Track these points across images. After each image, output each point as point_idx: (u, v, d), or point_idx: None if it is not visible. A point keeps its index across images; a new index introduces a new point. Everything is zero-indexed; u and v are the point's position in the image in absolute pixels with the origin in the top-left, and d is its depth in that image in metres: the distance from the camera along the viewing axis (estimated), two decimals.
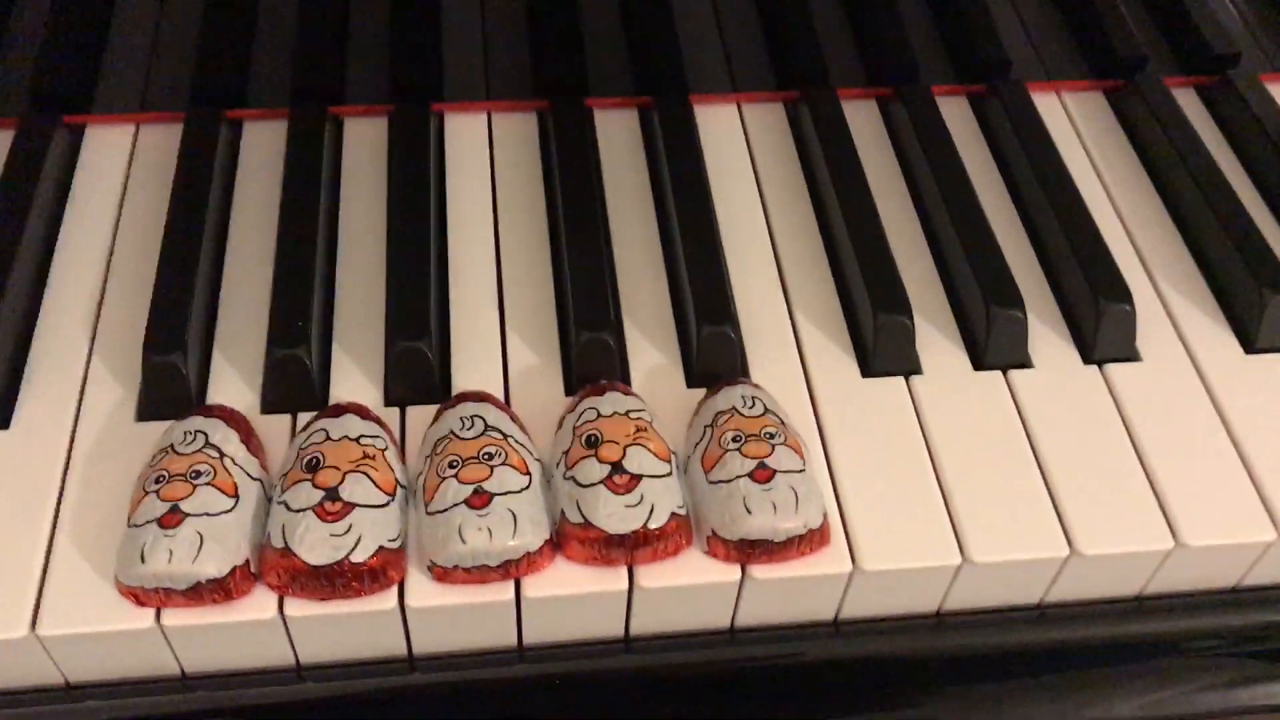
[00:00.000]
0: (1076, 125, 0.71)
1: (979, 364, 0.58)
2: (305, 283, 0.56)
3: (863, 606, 0.53)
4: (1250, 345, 0.59)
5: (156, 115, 0.66)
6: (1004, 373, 0.58)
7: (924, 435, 0.55)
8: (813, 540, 0.50)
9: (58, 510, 0.51)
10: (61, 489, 0.51)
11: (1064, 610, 0.55)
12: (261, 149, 0.66)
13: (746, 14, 0.72)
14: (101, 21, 0.69)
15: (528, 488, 0.50)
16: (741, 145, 0.68)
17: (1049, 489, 0.53)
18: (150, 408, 0.54)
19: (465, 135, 0.67)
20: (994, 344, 0.57)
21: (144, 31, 0.68)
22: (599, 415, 0.52)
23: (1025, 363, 0.58)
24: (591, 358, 0.55)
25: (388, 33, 0.69)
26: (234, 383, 0.55)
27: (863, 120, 0.69)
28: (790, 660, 0.53)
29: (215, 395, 0.55)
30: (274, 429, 0.54)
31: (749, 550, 0.49)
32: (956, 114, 0.70)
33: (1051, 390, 0.57)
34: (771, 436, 0.51)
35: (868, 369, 0.57)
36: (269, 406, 0.55)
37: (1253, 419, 0.56)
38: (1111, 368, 0.58)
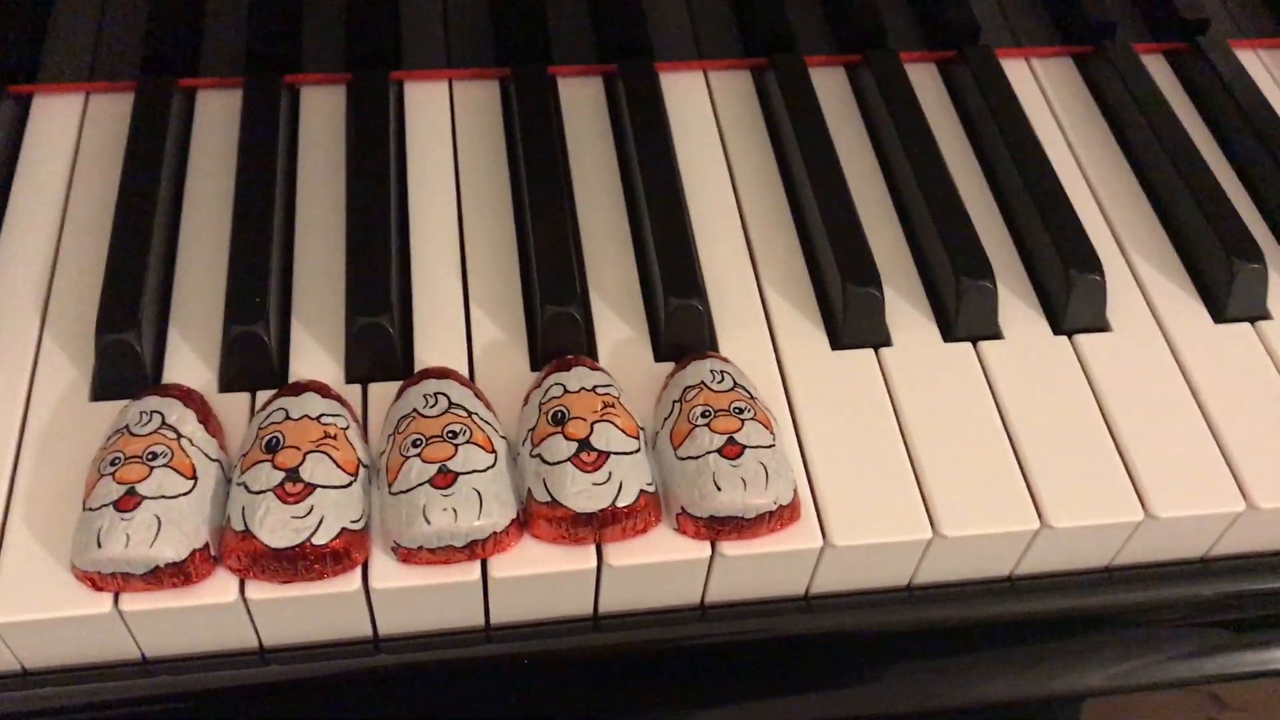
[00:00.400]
0: (1046, 92, 0.70)
1: (949, 335, 0.57)
2: (262, 257, 0.55)
3: (834, 581, 0.53)
4: (1220, 315, 0.59)
5: (107, 84, 0.64)
6: (974, 344, 0.57)
7: (894, 408, 0.54)
8: (783, 516, 0.49)
9: (10, 493, 0.49)
10: (14, 471, 0.50)
11: (1034, 582, 0.55)
12: (216, 119, 0.64)
13: None
14: None
15: (493, 466, 0.49)
16: (708, 114, 0.67)
17: (1019, 461, 0.53)
18: (105, 387, 0.52)
19: (426, 104, 0.66)
20: (964, 315, 0.57)
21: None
22: (565, 391, 0.51)
23: (995, 334, 0.58)
24: (557, 332, 0.54)
25: None
26: (191, 361, 0.54)
27: (831, 87, 0.69)
28: (761, 636, 0.53)
29: (172, 374, 0.53)
30: (233, 408, 0.52)
31: (719, 527, 0.49)
32: (925, 81, 0.70)
33: (1021, 361, 0.57)
34: (740, 411, 0.50)
35: (837, 341, 0.57)
36: (227, 385, 0.53)
37: (1222, 389, 0.56)
38: (1082, 338, 0.58)
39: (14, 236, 0.58)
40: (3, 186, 0.60)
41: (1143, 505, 0.52)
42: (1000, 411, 0.55)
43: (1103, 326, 0.58)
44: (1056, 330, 0.58)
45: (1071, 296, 0.57)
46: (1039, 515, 0.51)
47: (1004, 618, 0.55)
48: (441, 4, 0.68)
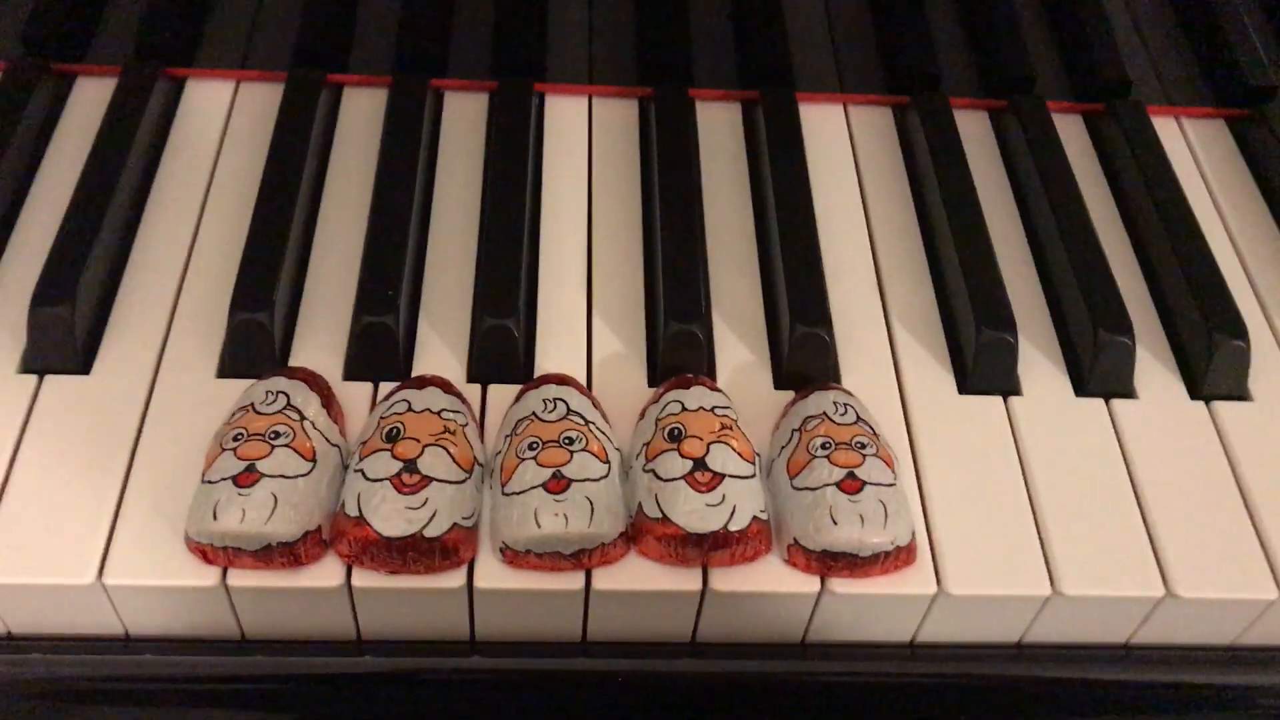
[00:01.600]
0: (1195, 152, 0.68)
1: (1081, 390, 0.56)
2: (397, 252, 0.56)
3: (942, 632, 0.51)
4: None
5: (258, 73, 0.66)
6: (1106, 401, 0.55)
7: (1020, 458, 0.53)
8: (899, 558, 0.48)
9: (131, 460, 0.50)
10: (137, 439, 0.51)
11: (1152, 653, 0.52)
12: (361, 115, 0.65)
13: (859, 13, 0.70)
14: None
15: (606, 476, 0.48)
16: (846, 146, 0.66)
17: (1147, 525, 0.51)
18: (232, 365, 0.53)
19: (565, 117, 0.66)
20: (1099, 370, 0.55)
21: None
22: (683, 409, 0.50)
23: (1129, 393, 0.56)
24: (679, 350, 0.54)
25: (494, 8, 0.68)
26: (318, 347, 0.55)
27: (973, 131, 0.67)
28: (861, 679, 0.52)
29: (298, 358, 0.54)
30: (355, 396, 0.53)
31: (831, 562, 0.47)
32: (1071, 132, 0.68)
33: (1155, 423, 0.55)
34: (863, 447, 0.49)
35: (965, 385, 0.55)
36: (352, 373, 0.54)
37: None
38: (1220, 405, 0.56)
39: (156, 213, 0.59)
40: (153, 162, 0.62)
41: (1276, 582, 0.49)
42: (1130, 472, 0.53)
43: (1243, 395, 0.56)
44: (1194, 394, 0.56)
45: (1212, 361, 0.55)
46: (1164, 583, 0.49)
47: (1118, 685, 0.52)
48: (588, 20, 0.69)
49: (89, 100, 0.64)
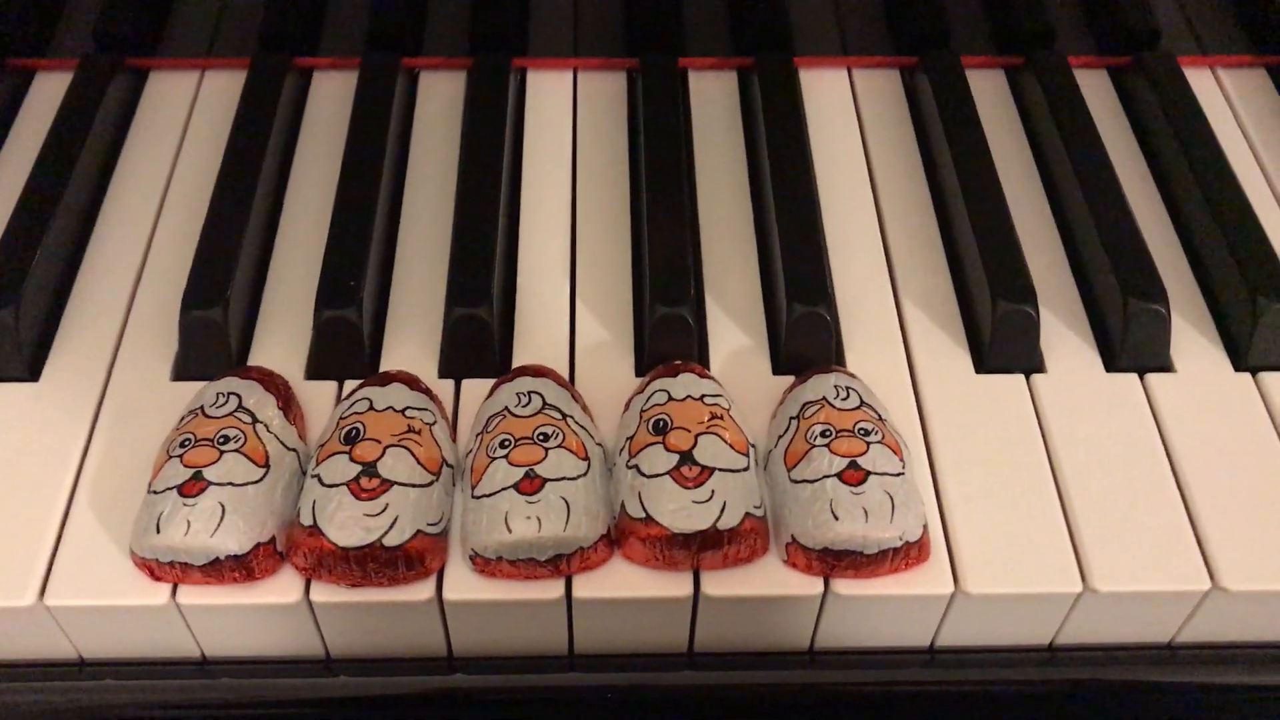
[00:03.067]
0: (1234, 104, 0.63)
1: (1112, 365, 0.51)
2: (362, 241, 0.52)
3: (963, 634, 0.46)
4: None
5: (224, 61, 0.62)
6: (1140, 376, 0.50)
7: (1045, 442, 0.48)
8: (909, 555, 0.43)
9: (79, 471, 0.47)
10: (86, 448, 0.48)
11: (1199, 652, 0.47)
12: (330, 100, 0.62)
13: None
14: None
15: (585, 474, 0.44)
16: (850, 113, 0.62)
17: (1188, 511, 0.46)
18: (188, 367, 0.50)
19: (548, 93, 0.62)
20: (1130, 342, 0.50)
21: None
22: (670, 398, 0.46)
23: (1166, 366, 0.51)
24: (666, 335, 0.49)
25: None
26: (280, 345, 0.51)
27: (988, 91, 0.63)
28: (876, 689, 0.47)
29: (259, 357, 0.51)
30: (318, 397, 0.49)
31: (834, 561, 0.43)
32: (1095, 88, 0.63)
33: (1195, 398, 0.50)
34: (866, 433, 0.45)
35: (983, 364, 0.51)
36: (315, 372, 0.50)
37: None
38: (1267, 376, 0.51)
39: (114, 209, 0.57)
40: (108, 159, 0.58)
41: None
42: (1168, 453, 0.48)
43: None
44: (1238, 366, 0.51)
45: (1257, 328, 0.50)
46: (1210, 575, 0.44)
47: (1162, 688, 0.47)
48: None
49: (47, 96, 0.61)
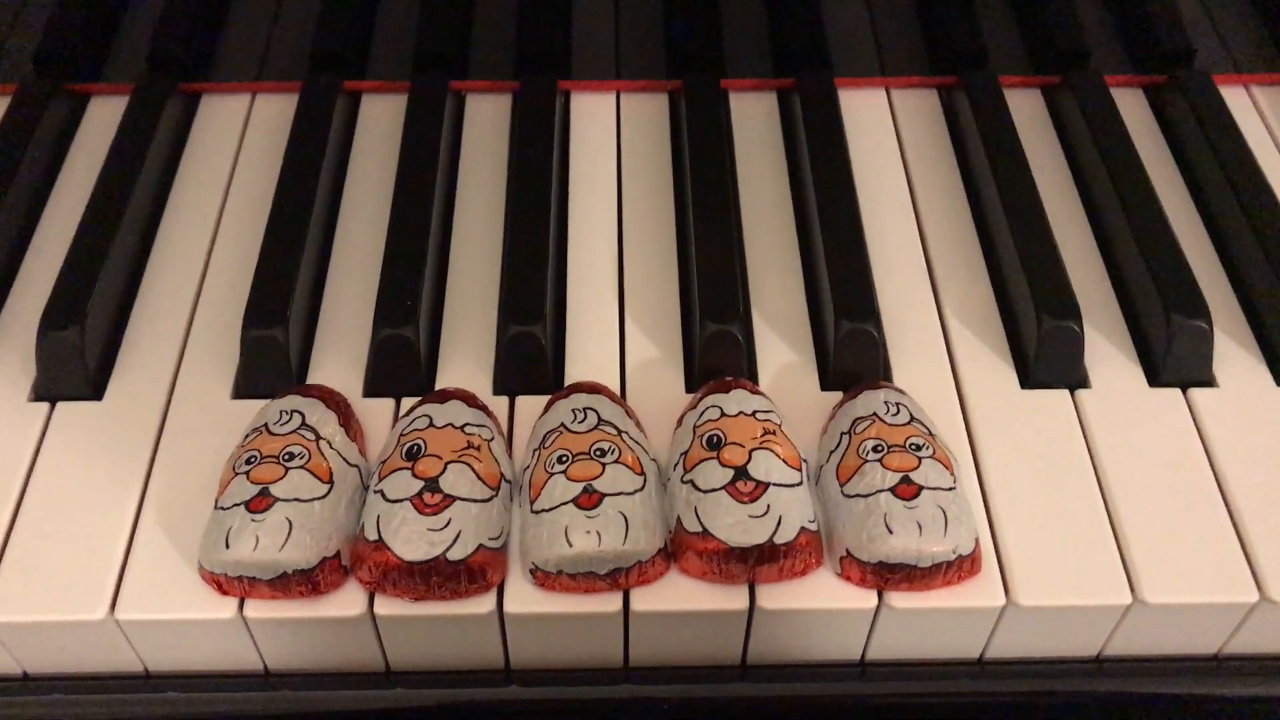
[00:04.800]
0: (1269, 122, 0.64)
1: (1155, 380, 0.51)
2: (417, 261, 0.53)
3: (1013, 646, 0.47)
4: None
5: (274, 85, 0.64)
6: (1184, 391, 0.51)
7: (1091, 456, 0.49)
8: (962, 568, 0.44)
9: (145, 488, 0.48)
10: (150, 466, 0.49)
11: (1246, 664, 0.48)
12: (380, 122, 0.63)
13: None
14: None
15: (641, 489, 0.45)
16: (890, 132, 0.62)
17: (1234, 523, 0.47)
18: (248, 385, 0.51)
19: (593, 115, 0.63)
20: (1173, 358, 0.51)
21: (266, 1, 0.66)
22: (723, 414, 0.47)
23: (1208, 381, 0.52)
24: (716, 352, 0.50)
25: (516, 5, 0.65)
26: (337, 363, 0.52)
27: (1026, 109, 0.64)
28: (927, 701, 0.48)
29: (317, 375, 0.52)
30: (376, 413, 0.50)
31: (888, 575, 0.44)
32: (1132, 106, 0.64)
33: (1238, 412, 0.50)
34: (918, 448, 0.46)
35: (1028, 379, 0.51)
36: (372, 389, 0.51)
37: None
38: None
39: (170, 232, 0.58)
40: (166, 180, 0.60)
41: None
42: (1213, 466, 0.48)
43: None
44: None
45: None
46: (1257, 586, 0.45)
47: (1207, 700, 0.48)
48: (614, 13, 0.66)
49: (103, 119, 0.62)
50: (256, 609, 0.44)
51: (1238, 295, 0.55)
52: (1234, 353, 0.53)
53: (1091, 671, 0.48)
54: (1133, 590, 0.45)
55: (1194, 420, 0.50)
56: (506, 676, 0.48)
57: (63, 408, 0.50)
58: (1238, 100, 0.64)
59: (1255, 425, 0.50)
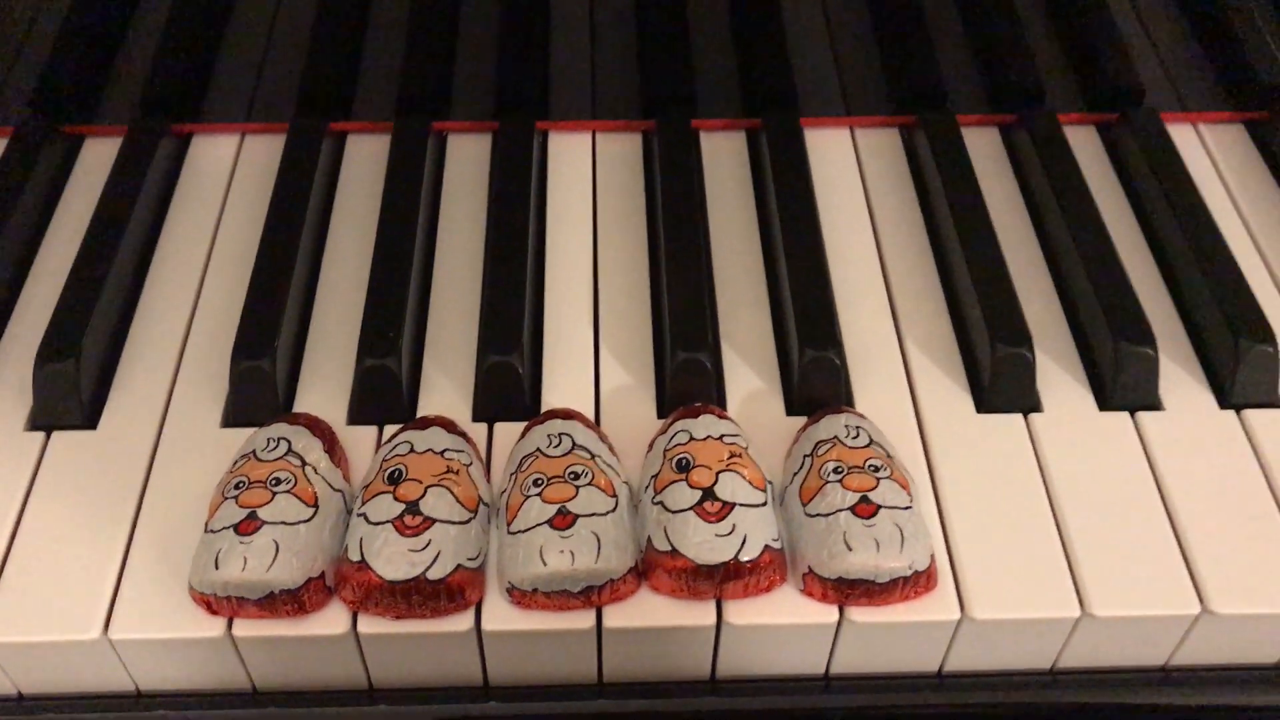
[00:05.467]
0: (1215, 158, 0.66)
1: (1105, 404, 0.54)
2: (399, 294, 0.55)
3: (970, 658, 0.49)
4: None
5: (263, 125, 0.66)
6: (1132, 414, 0.53)
7: (1043, 477, 0.51)
8: (918, 583, 0.46)
9: (138, 513, 0.50)
10: (143, 492, 0.50)
11: (1192, 674, 0.50)
12: (364, 161, 0.65)
13: (862, 35, 0.70)
14: (213, 33, 0.69)
15: (614, 510, 0.47)
16: (853, 169, 0.65)
17: (1179, 540, 0.49)
18: (237, 414, 0.53)
19: (569, 154, 0.66)
20: (1121, 383, 0.53)
21: (255, 43, 0.68)
22: (691, 438, 0.49)
23: (1155, 404, 0.54)
24: (686, 379, 0.53)
25: (495, 49, 0.68)
26: (323, 392, 0.54)
27: (983, 147, 0.66)
28: (889, 713, 0.50)
29: (303, 404, 0.54)
30: (360, 440, 0.52)
31: (848, 590, 0.46)
32: (1083, 142, 0.67)
33: (1184, 435, 0.53)
34: (876, 469, 0.48)
35: (983, 404, 0.54)
36: (356, 417, 0.53)
37: None
38: (1252, 413, 0.54)
39: (162, 267, 0.60)
40: (158, 217, 0.62)
41: None
42: (1159, 487, 0.51)
43: (1274, 402, 0.54)
44: (1223, 404, 0.54)
45: (1240, 367, 0.53)
46: (1200, 599, 0.47)
47: (1157, 710, 0.50)
48: (590, 56, 0.69)
49: (97, 160, 0.65)
50: (244, 628, 0.46)
51: (1183, 323, 0.58)
52: (1180, 378, 0.55)
53: (1047, 683, 0.50)
54: (1081, 604, 0.47)
55: (1141, 442, 0.52)
56: (485, 692, 0.50)
57: (58, 437, 0.52)
58: (1185, 137, 0.67)
59: (1199, 447, 0.52)
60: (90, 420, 0.53)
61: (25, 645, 0.46)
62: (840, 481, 0.47)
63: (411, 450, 0.49)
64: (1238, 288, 0.56)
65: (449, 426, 0.51)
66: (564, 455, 0.49)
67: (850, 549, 0.45)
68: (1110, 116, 0.67)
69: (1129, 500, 0.50)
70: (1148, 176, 0.63)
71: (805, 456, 0.49)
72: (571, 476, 0.48)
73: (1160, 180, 0.62)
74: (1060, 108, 0.66)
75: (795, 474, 0.49)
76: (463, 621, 0.46)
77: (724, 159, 0.66)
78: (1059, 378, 0.55)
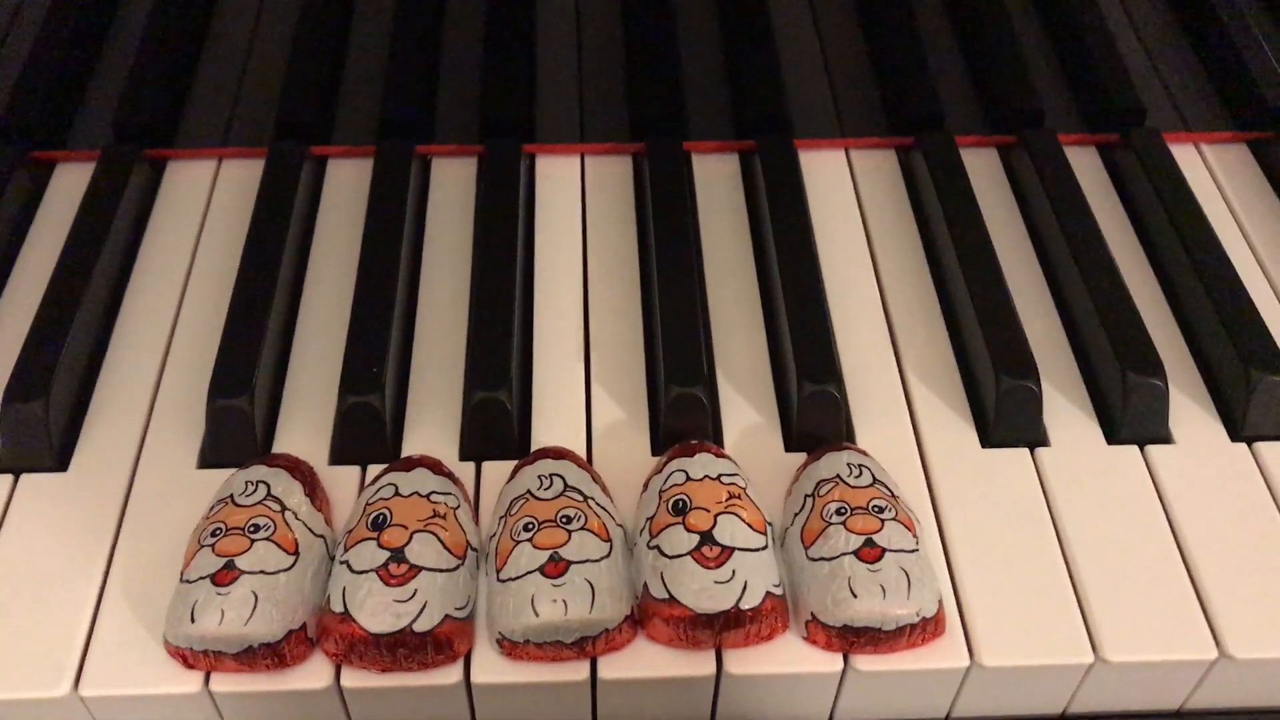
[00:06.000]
0: (1218, 179, 0.65)
1: (1113, 437, 0.52)
2: (382, 328, 0.53)
3: (978, 705, 0.47)
4: None
5: (239, 150, 0.64)
6: (1141, 448, 0.52)
7: (1051, 514, 0.49)
8: (926, 629, 0.44)
9: (110, 560, 0.48)
10: (116, 537, 0.48)
11: (1208, 718, 0.48)
12: (345, 187, 0.63)
13: (856, 55, 0.68)
14: (189, 56, 0.67)
15: (608, 556, 0.45)
16: (849, 193, 0.63)
17: (1193, 580, 0.47)
18: (214, 454, 0.51)
19: (557, 177, 0.64)
20: (1130, 415, 0.52)
21: (231, 66, 0.67)
22: (688, 478, 0.47)
23: (1165, 437, 0.52)
24: (681, 415, 0.51)
25: (480, 71, 0.66)
26: (303, 432, 0.52)
27: (982, 169, 0.65)
28: None
29: (283, 443, 0.52)
30: (342, 482, 0.50)
31: (853, 638, 0.44)
32: (1085, 164, 0.65)
33: (1195, 469, 0.51)
34: (880, 510, 0.46)
35: (988, 438, 0.52)
36: (338, 457, 0.51)
37: None
38: (1263, 446, 0.52)
39: (136, 300, 0.58)
40: (131, 247, 0.60)
41: None
42: (1171, 524, 0.49)
43: None
44: (1234, 436, 0.53)
45: (1252, 399, 0.52)
46: (1216, 643, 0.46)
47: None
48: (577, 77, 0.67)
49: (68, 187, 0.62)
50: (222, 682, 0.44)
51: (1191, 351, 0.56)
52: (1189, 409, 0.54)
53: None
54: (1094, 649, 0.45)
55: (1152, 477, 0.51)
56: None
57: (27, 479, 0.50)
58: (1188, 158, 0.66)
59: (1212, 481, 0.51)
60: (60, 462, 0.51)
61: None
62: (844, 524, 0.46)
63: (396, 493, 0.47)
64: (1248, 316, 0.54)
65: (435, 467, 0.49)
66: (555, 498, 0.47)
67: (855, 595, 0.44)
68: (1111, 137, 0.66)
69: (1140, 538, 0.49)
70: (1152, 199, 0.61)
71: (806, 496, 0.48)
72: (564, 520, 0.46)
73: (1165, 203, 0.60)
74: (1061, 128, 0.65)
75: (796, 515, 0.47)
76: (451, 674, 0.44)
77: (717, 182, 0.64)
78: (1065, 409, 0.53)
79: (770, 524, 0.47)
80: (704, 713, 0.47)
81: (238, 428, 0.50)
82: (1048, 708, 0.48)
